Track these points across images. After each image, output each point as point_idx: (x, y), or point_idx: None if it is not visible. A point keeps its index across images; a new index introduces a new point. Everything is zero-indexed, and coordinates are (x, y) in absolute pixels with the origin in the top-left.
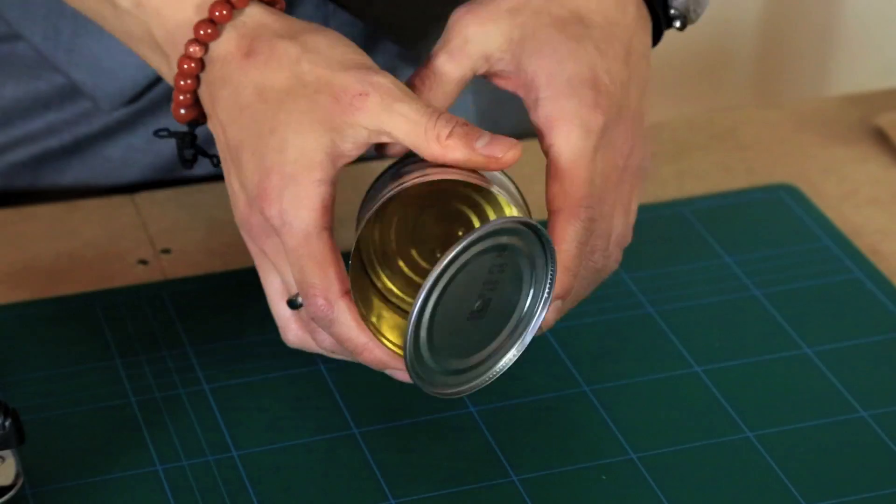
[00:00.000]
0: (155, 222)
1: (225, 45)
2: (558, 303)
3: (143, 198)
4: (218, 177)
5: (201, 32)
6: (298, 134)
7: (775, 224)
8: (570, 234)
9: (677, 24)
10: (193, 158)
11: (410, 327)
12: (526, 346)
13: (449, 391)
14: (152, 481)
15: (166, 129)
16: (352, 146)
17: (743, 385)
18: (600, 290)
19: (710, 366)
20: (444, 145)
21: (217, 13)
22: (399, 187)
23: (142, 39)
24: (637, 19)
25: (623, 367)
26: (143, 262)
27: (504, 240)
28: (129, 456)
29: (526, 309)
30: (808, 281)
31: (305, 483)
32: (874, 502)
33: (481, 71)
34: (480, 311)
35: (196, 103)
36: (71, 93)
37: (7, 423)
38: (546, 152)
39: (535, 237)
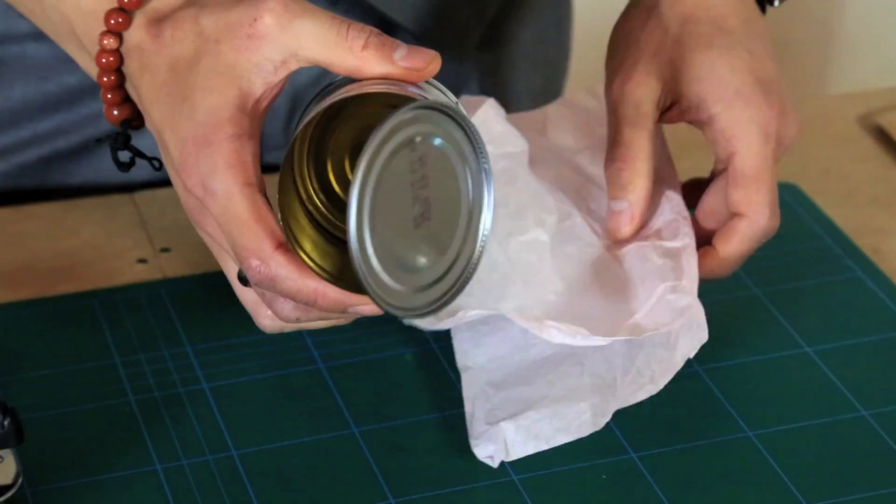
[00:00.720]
0: (154, 221)
1: (136, 33)
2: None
3: (142, 196)
4: None
5: (112, 22)
6: (206, 93)
7: None
8: (749, 238)
9: (776, 2)
10: (130, 162)
11: (354, 250)
12: (488, 231)
13: (428, 308)
14: (152, 480)
15: (100, 138)
16: (262, 85)
17: (743, 384)
18: None
19: (711, 365)
20: (359, 57)
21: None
22: (326, 103)
23: (67, 36)
24: (757, 8)
25: None
26: (143, 260)
27: (411, 131)
28: (129, 455)
29: (472, 199)
30: (808, 280)
31: (305, 482)
32: (875, 501)
33: (657, 120)
34: (424, 215)
35: (126, 101)
36: (80, 94)
37: (6, 423)
38: (727, 160)
39: (443, 117)
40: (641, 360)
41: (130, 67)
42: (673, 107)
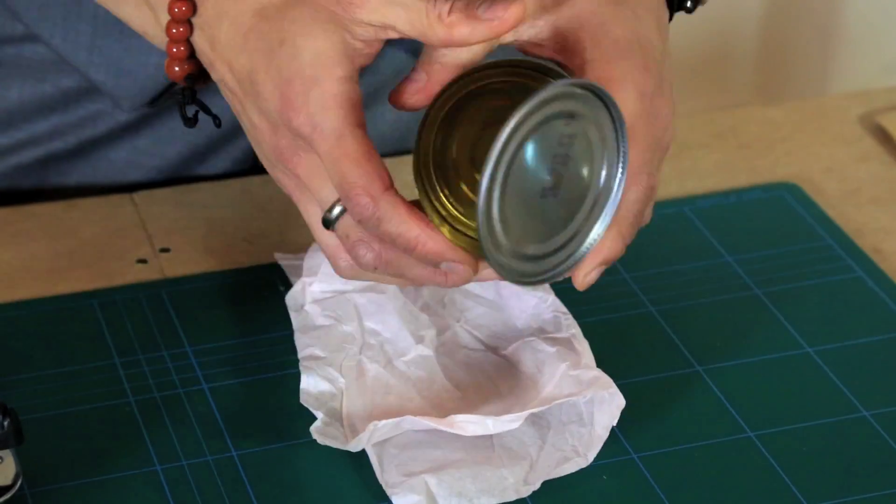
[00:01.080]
0: (154, 221)
1: None
2: (601, 267)
3: (142, 197)
4: (217, 177)
5: None
6: (309, 37)
7: (777, 223)
8: (631, 201)
9: (688, 4)
10: (195, 117)
11: (482, 197)
12: (608, 224)
13: (533, 278)
14: (152, 481)
15: (154, 99)
16: (362, 44)
17: (744, 385)
18: (601, 290)
19: (712, 365)
20: (447, 24)
21: None
22: (454, 95)
23: None
24: None
25: (623, 366)
26: (143, 260)
27: (571, 105)
28: (129, 456)
29: (602, 185)
30: (809, 280)
31: (305, 483)
32: (876, 502)
33: (507, 40)
34: (553, 189)
35: (190, 57)
36: (76, 96)
37: (6, 423)
38: None
39: (601, 103)
40: (553, 437)
41: (204, 16)
42: (542, 42)
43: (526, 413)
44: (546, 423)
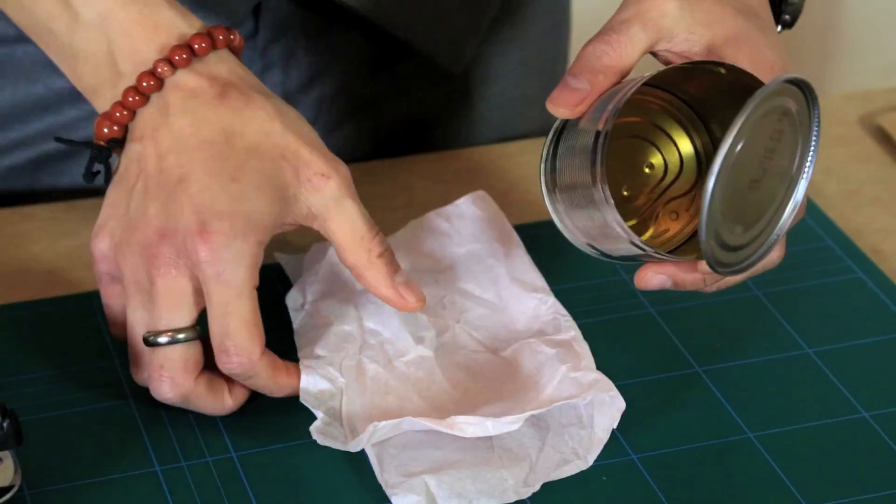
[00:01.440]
0: None
1: (193, 77)
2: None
3: None
4: None
5: (176, 57)
6: (258, 192)
7: None
8: None
9: (779, 28)
10: (96, 173)
11: (707, 192)
12: (795, 208)
13: (728, 268)
14: (151, 482)
15: (70, 140)
16: (291, 221)
17: (744, 385)
18: (601, 290)
19: (712, 366)
20: (371, 261)
21: (198, 45)
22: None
23: (93, 55)
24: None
25: (624, 366)
26: None
27: (785, 102)
28: (128, 456)
29: (796, 166)
30: (809, 281)
31: (305, 483)
32: (875, 503)
33: (660, 47)
34: (758, 181)
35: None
36: (69, 97)
37: (5, 424)
38: None
39: (803, 96)
40: (552, 439)
41: (166, 100)
42: (693, 56)
43: (526, 415)
44: (546, 424)
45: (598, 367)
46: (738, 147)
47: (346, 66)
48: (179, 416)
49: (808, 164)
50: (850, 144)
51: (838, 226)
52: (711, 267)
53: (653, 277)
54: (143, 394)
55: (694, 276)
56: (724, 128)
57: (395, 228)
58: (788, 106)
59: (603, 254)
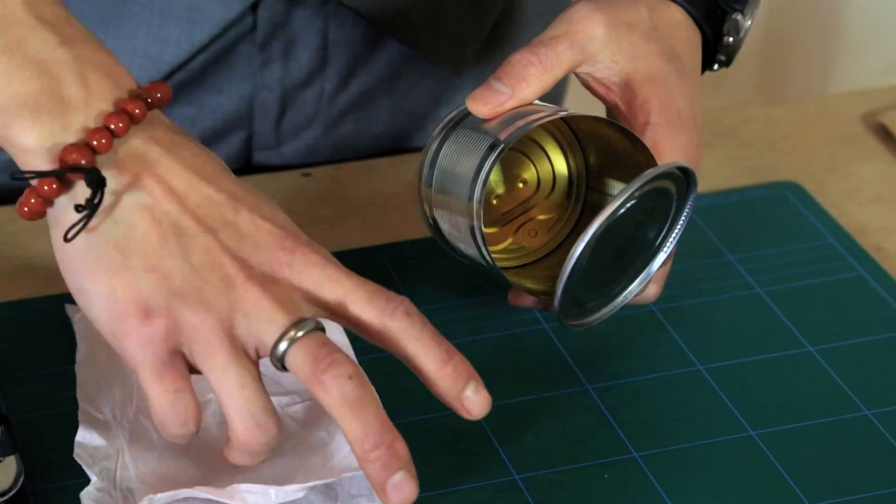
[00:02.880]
0: None
1: (148, 145)
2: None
3: None
4: None
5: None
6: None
7: (778, 222)
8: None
9: (715, 66)
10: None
11: (572, 260)
12: (650, 275)
13: (575, 320)
14: None
15: (26, 174)
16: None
17: (746, 383)
18: None
19: (713, 364)
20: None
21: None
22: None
23: (35, 92)
24: (700, 61)
25: (625, 365)
26: None
27: (665, 184)
28: None
29: (655, 245)
30: (811, 279)
31: None
32: (877, 501)
33: (583, 70)
34: (622, 251)
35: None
36: None
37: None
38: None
39: (685, 182)
40: None
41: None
42: (610, 86)
43: (310, 484)
44: (335, 493)
45: (600, 365)
46: (610, 221)
47: (345, 63)
48: None
49: (670, 241)
50: (853, 142)
51: (840, 224)
52: (560, 320)
53: (525, 299)
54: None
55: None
56: (600, 157)
57: (397, 226)
58: (668, 187)
59: (452, 249)
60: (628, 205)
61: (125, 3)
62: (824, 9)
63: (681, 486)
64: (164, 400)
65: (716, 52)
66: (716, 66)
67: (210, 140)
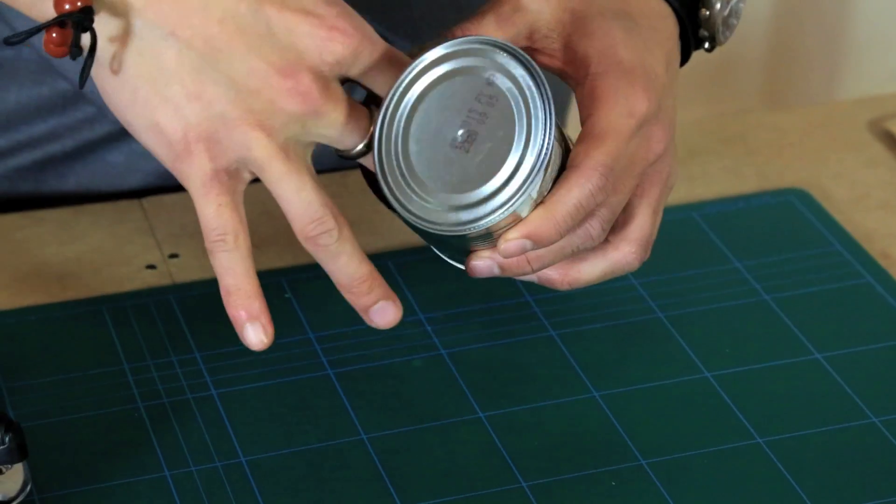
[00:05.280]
0: (163, 226)
1: None
2: (524, 241)
3: (150, 202)
4: None
5: None
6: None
7: (785, 228)
8: (574, 190)
9: (706, 45)
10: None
11: (376, 133)
12: (529, 197)
13: (452, 229)
14: (160, 487)
15: (27, 31)
16: None
17: (753, 391)
18: (608, 296)
19: (720, 371)
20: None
21: None
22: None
23: None
24: (674, 33)
25: (632, 372)
26: (152, 266)
27: (487, 65)
28: (137, 461)
29: (527, 155)
30: (818, 286)
31: (314, 489)
32: None
33: (521, 44)
34: (465, 143)
35: None
36: (74, 98)
37: (8, 439)
38: (583, 122)
39: (527, 71)
40: None
41: None
42: (553, 53)
43: None
44: None
45: (607, 372)
46: (415, 93)
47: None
48: (189, 422)
49: (544, 150)
50: (859, 149)
51: (847, 230)
52: (406, 221)
53: (477, 263)
54: (153, 398)
55: (511, 260)
56: None
57: (403, 232)
58: (503, 75)
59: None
60: (441, 66)
61: None
62: (830, 16)
63: (687, 494)
64: (208, 211)
65: (696, 28)
66: (706, 45)
67: None
